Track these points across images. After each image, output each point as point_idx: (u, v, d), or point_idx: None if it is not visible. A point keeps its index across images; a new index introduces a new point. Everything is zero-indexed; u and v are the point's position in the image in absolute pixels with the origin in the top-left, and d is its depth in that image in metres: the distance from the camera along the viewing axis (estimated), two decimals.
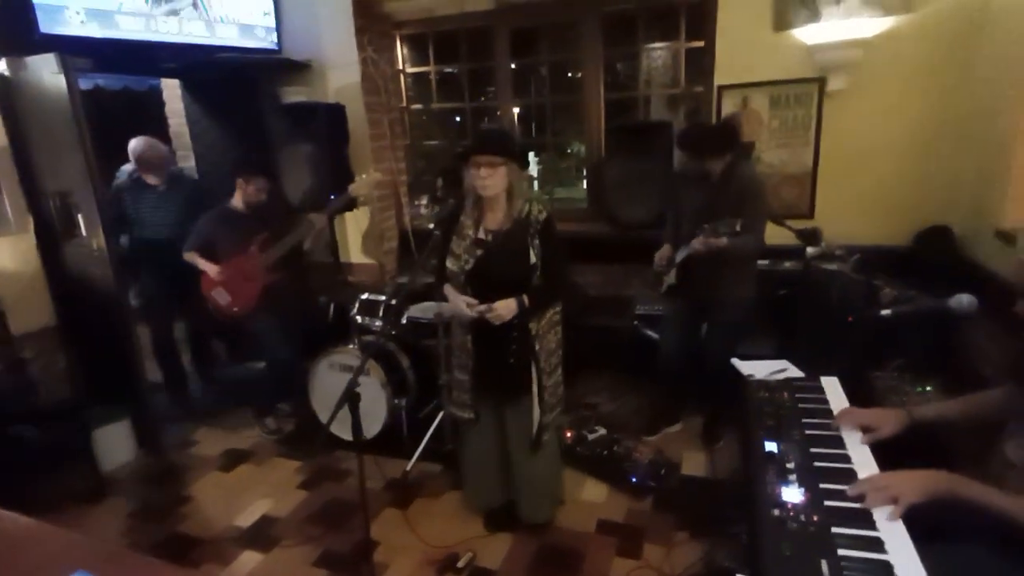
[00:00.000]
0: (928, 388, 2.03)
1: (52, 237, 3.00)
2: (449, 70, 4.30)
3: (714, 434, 2.97)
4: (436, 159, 4.55)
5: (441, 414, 3.01)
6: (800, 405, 1.77)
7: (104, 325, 3.02)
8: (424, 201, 4.48)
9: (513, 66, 4.10)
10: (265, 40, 3.82)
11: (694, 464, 2.85)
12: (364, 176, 3.27)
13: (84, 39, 2.94)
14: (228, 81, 3.90)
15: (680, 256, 2.68)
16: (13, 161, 2.85)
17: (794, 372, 1.99)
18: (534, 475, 2.25)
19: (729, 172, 2.58)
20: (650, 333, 3.32)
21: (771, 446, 1.56)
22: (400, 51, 4.33)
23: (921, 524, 1.22)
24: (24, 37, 2.77)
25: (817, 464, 1.48)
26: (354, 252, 4.20)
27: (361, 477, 1.92)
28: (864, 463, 1.47)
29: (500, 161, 1.97)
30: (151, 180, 3.48)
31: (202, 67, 3.75)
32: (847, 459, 1.50)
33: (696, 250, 2.50)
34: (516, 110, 4.29)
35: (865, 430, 1.58)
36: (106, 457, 3.02)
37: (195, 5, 3.42)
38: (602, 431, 3.02)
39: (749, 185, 2.55)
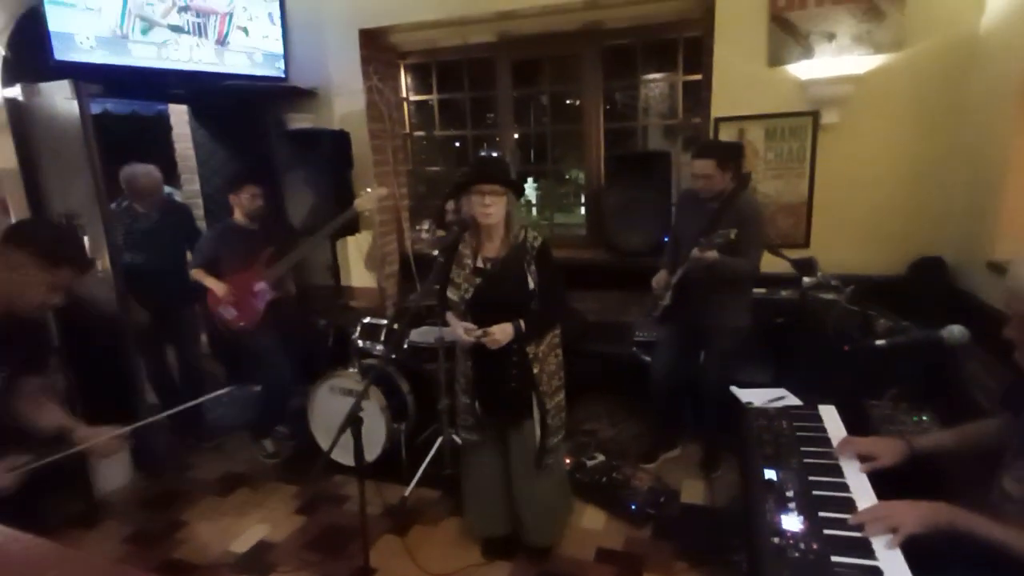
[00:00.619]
0: (924, 417, 2.05)
1: None
2: (451, 98, 4.39)
3: (713, 462, 2.98)
4: (438, 185, 4.62)
5: (440, 439, 3.01)
6: (799, 433, 1.79)
7: (105, 347, 3.03)
8: (426, 226, 4.52)
9: (514, 95, 4.20)
10: (273, 68, 3.91)
11: (693, 492, 2.84)
12: (369, 191, 3.33)
13: (96, 66, 3.01)
14: (235, 107, 3.98)
15: (677, 276, 2.72)
16: (23, 183, 2.89)
17: (792, 400, 2.01)
18: (537, 498, 2.25)
19: (729, 198, 2.64)
20: (648, 359, 3.34)
21: (770, 474, 1.58)
22: (404, 80, 4.43)
23: (918, 553, 1.23)
24: (39, 64, 2.84)
25: (816, 493, 1.49)
26: (355, 276, 4.23)
27: (362, 504, 1.92)
28: (863, 492, 1.49)
29: (500, 191, 2.02)
30: (142, 208, 3.38)
31: (210, 94, 3.84)
32: (846, 488, 1.52)
33: (692, 263, 2.54)
34: (516, 136, 4.38)
35: (864, 459, 1.59)
36: (102, 481, 3.01)
37: (202, 31, 3.51)
38: (601, 458, 3.02)
39: (748, 211, 2.60)
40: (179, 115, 4.37)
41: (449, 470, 2.91)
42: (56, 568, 0.86)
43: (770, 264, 2.77)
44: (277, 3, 3.84)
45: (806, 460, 1.65)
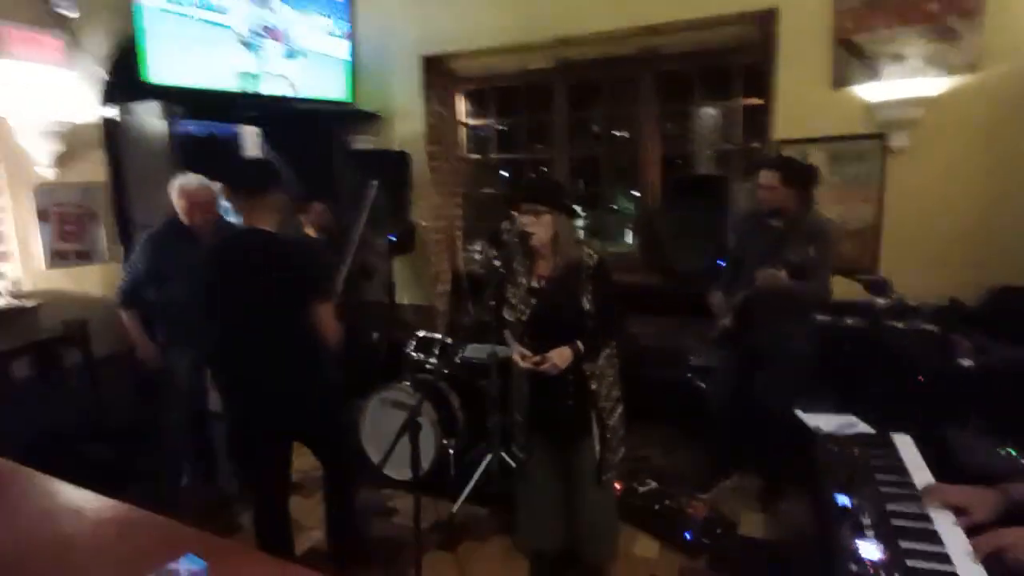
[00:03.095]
0: (1012, 451, 1.91)
1: None
2: (506, 124, 4.49)
3: (773, 494, 2.84)
4: (492, 206, 4.69)
5: (489, 456, 2.99)
6: (872, 462, 1.70)
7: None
8: (478, 247, 4.59)
9: (570, 120, 4.25)
10: (340, 92, 4.11)
11: (752, 525, 2.71)
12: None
13: (184, 89, 3.25)
14: (304, 129, 4.18)
15: (739, 297, 2.65)
16: (111, 196, 3.11)
17: (863, 428, 1.91)
18: (598, 513, 2.20)
19: (796, 218, 2.57)
20: (703, 385, 3.25)
21: (844, 500, 1.50)
22: (462, 104, 4.57)
23: None
24: (133, 86, 3.08)
25: (896, 523, 1.41)
26: (408, 294, 4.32)
27: (416, 517, 1.91)
28: (952, 535, 1.37)
29: (544, 210, 2.02)
30: (194, 228, 2.72)
31: (282, 116, 4.06)
32: (927, 519, 1.42)
33: (761, 284, 2.47)
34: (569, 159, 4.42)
35: (956, 510, 1.45)
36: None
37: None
38: (653, 484, 2.93)
39: (818, 232, 2.53)
40: (250, 137, 4.62)
41: (498, 488, 2.88)
42: (147, 531, 0.90)
43: (835, 290, 2.66)
44: (347, 31, 4.06)
45: (882, 489, 1.56)
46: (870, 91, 3.00)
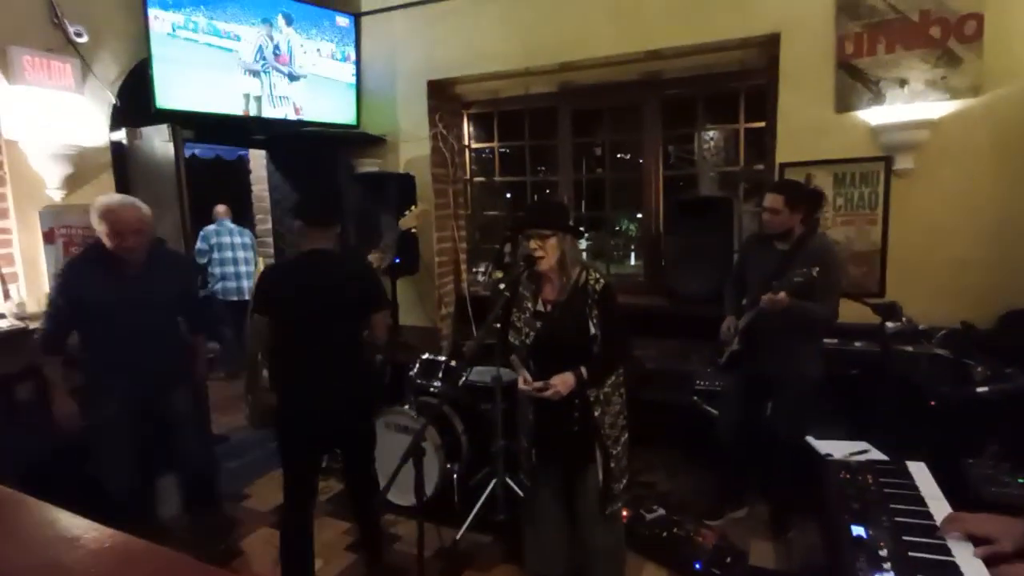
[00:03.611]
0: None
1: None
2: (511, 146, 4.53)
3: (784, 522, 2.78)
4: (496, 228, 4.71)
5: (494, 482, 2.94)
6: (886, 490, 1.66)
7: None
8: (482, 268, 4.60)
9: (574, 143, 4.28)
10: (346, 116, 4.15)
11: (762, 554, 2.65)
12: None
13: (192, 113, 3.29)
14: (309, 152, 4.22)
15: (745, 320, 2.63)
16: None
17: (876, 455, 1.87)
18: (601, 546, 2.15)
19: (801, 241, 2.56)
20: (710, 409, 3.21)
21: (859, 531, 1.46)
22: (467, 128, 4.61)
23: None
24: (142, 110, 3.12)
25: (914, 554, 1.37)
26: (412, 316, 4.30)
27: (420, 545, 1.87)
28: (972, 567, 1.33)
29: (549, 233, 2.01)
30: (125, 254, 2.36)
31: (288, 140, 4.10)
32: (947, 551, 1.38)
33: (764, 307, 2.45)
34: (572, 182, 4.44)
35: (977, 540, 1.38)
36: (162, 506, 3.07)
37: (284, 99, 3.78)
38: (661, 511, 2.88)
39: (823, 254, 2.51)
40: (257, 159, 4.67)
41: (503, 515, 2.83)
42: (149, 563, 0.87)
43: (843, 314, 2.64)
44: (353, 57, 4.11)
45: (898, 519, 1.52)
46: (873, 114, 3.02)
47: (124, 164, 3.16)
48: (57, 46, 2.82)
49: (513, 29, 3.83)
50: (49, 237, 2.82)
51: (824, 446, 1.91)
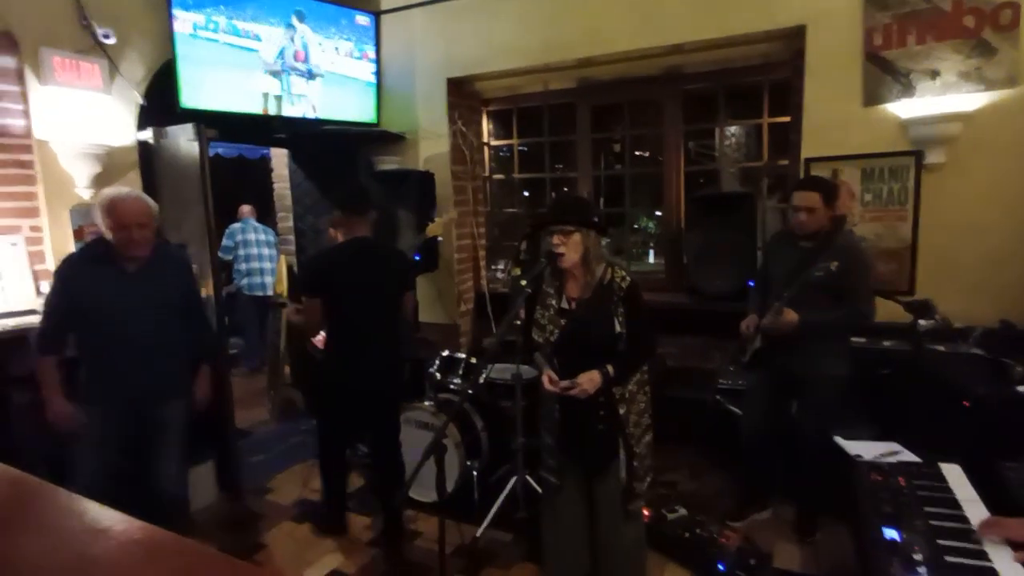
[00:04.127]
0: None
1: None
2: (530, 143, 4.51)
3: (810, 524, 2.73)
4: (515, 225, 4.70)
5: (514, 480, 2.94)
6: (920, 493, 1.62)
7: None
8: (501, 265, 4.59)
9: (593, 138, 4.25)
10: (366, 114, 4.17)
11: (787, 557, 2.60)
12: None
13: (216, 112, 3.33)
14: (330, 150, 4.25)
15: (768, 318, 2.58)
16: None
17: (908, 456, 1.83)
18: (621, 545, 2.13)
19: (827, 237, 2.50)
20: (733, 408, 3.16)
21: (891, 533, 1.42)
22: (486, 125, 4.60)
23: None
24: (168, 110, 3.17)
25: (950, 559, 1.33)
26: (432, 312, 4.31)
27: (441, 542, 1.86)
28: (1010, 572, 1.29)
29: (572, 230, 1.99)
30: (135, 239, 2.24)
31: (309, 138, 4.13)
32: (985, 556, 1.34)
33: (767, 325, 2.40)
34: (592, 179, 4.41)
35: (1016, 546, 1.35)
36: (191, 498, 3.12)
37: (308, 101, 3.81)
38: (683, 511, 2.84)
39: (851, 251, 2.44)
40: (279, 158, 4.72)
41: (523, 513, 2.82)
42: (177, 556, 0.88)
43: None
44: (372, 55, 4.13)
45: (932, 522, 1.48)
46: (903, 107, 2.94)
47: (150, 163, 3.20)
48: (86, 47, 2.88)
49: (532, 25, 3.81)
50: (79, 235, 2.87)
51: (853, 447, 1.87)
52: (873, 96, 3.02)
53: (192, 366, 2.53)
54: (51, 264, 2.83)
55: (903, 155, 2.99)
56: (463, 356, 3.27)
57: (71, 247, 2.85)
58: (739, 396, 3.11)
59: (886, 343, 2.83)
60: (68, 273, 2.25)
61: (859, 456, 1.80)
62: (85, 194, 2.90)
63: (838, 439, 1.90)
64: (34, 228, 2.81)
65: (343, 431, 2.89)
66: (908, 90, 2.92)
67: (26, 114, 2.73)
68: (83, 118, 2.83)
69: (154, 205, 2.29)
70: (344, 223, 2.65)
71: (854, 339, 2.69)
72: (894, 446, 1.86)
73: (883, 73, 2.97)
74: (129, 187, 2.37)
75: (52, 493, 1.34)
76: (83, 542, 1.16)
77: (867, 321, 2.47)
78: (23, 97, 2.71)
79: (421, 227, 3.73)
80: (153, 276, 2.33)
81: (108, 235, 2.19)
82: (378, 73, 4.19)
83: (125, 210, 2.18)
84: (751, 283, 3.03)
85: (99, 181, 2.94)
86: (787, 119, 3.56)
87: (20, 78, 2.69)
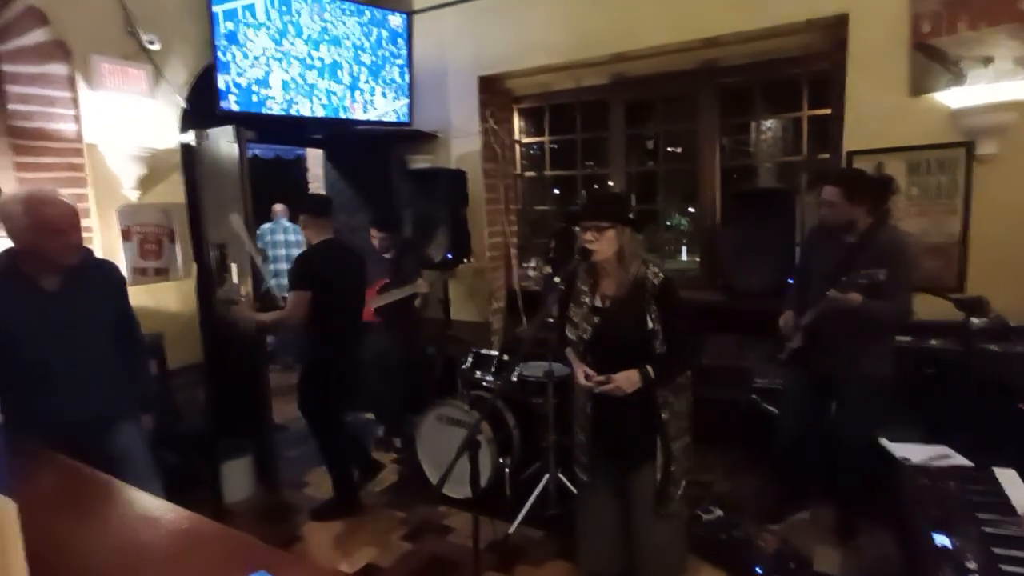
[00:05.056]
0: None
1: (209, 283, 3.38)
2: (562, 140, 4.48)
3: (851, 527, 2.64)
4: (546, 223, 4.68)
5: (546, 478, 2.93)
6: (972, 498, 1.55)
7: (242, 366, 3.30)
8: (532, 263, 4.59)
9: (627, 134, 4.20)
10: (399, 114, 4.22)
11: (827, 560, 2.53)
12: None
13: (254, 114, 3.41)
14: (364, 149, 4.31)
15: (808, 317, 2.51)
16: (188, 216, 3.28)
17: (958, 460, 1.75)
18: (654, 545, 2.10)
19: (869, 233, 2.42)
20: (769, 408, 3.09)
21: (942, 540, 1.36)
22: (517, 122, 4.59)
23: None
24: (208, 113, 3.26)
25: (1005, 568, 1.27)
26: (463, 310, 4.33)
27: (475, 538, 1.87)
28: None
29: (606, 226, 1.96)
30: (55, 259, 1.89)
31: (344, 138, 4.20)
32: None
33: (828, 305, 2.33)
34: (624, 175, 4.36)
35: None
36: (229, 490, 3.22)
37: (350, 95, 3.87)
38: (719, 512, 2.80)
39: (894, 248, 2.36)
40: (314, 158, 4.81)
41: (554, 510, 2.82)
42: (220, 544, 0.91)
43: (918, 309, 2.48)
44: (405, 55, 4.17)
45: (986, 529, 1.41)
46: (953, 97, 2.81)
47: (192, 164, 3.30)
48: (132, 53, 2.98)
49: (564, 21, 3.78)
50: (126, 235, 2.98)
51: (900, 449, 1.80)
52: (920, 86, 2.91)
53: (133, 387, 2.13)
54: None
55: (953, 147, 2.86)
56: (495, 353, 3.27)
57: (120, 247, 2.96)
58: (775, 395, 3.04)
59: (933, 342, 2.72)
60: None
61: (906, 459, 1.74)
62: (132, 195, 3.01)
63: (883, 441, 1.83)
64: (84, 228, 2.92)
65: (340, 409, 3.21)
66: (958, 79, 2.80)
67: (77, 119, 2.83)
68: (129, 121, 2.93)
69: (76, 207, 1.91)
70: (312, 225, 3.01)
71: (899, 337, 2.60)
72: (944, 449, 1.79)
73: (931, 61, 2.85)
74: (52, 188, 1.95)
75: (106, 483, 1.40)
76: (133, 529, 1.21)
77: (906, 318, 2.39)
78: (74, 103, 2.82)
79: (454, 224, 3.77)
80: (77, 294, 1.93)
81: (20, 242, 1.81)
82: (410, 73, 4.22)
83: (56, 211, 1.81)
84: (790, 280, 2.95)
85: (144, 182, 3.04)
86: (827, 112, 3.45)
87: (72, 84, 2.80)
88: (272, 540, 2.82)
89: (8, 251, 1.88)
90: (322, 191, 4.77)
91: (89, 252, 2.11)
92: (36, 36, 2.70)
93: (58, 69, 2.78)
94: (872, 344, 2.45)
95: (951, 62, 2.81)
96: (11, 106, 2.69)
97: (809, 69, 3.53)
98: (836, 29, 3.14)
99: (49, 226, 1.78)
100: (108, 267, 2.17)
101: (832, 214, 2.47)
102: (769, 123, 4.04)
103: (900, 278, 2.31)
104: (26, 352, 1.85)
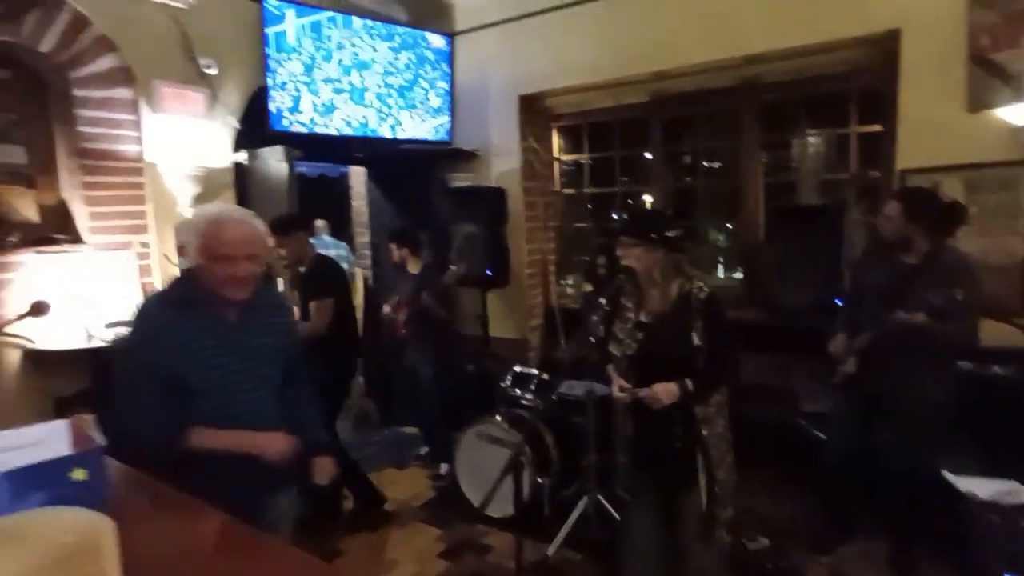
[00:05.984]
0: None
1: None
2: (601, 157, 4.48)
3: (907, 560, 2.51)
4: (584, 239, 4.67)
5: (585, 499, 2.89)
6: None
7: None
8: (571, 280, 4.58)
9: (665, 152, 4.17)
10: (440, 133, 4.30)
11: None
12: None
13: (301, 134, 3.53)
14: (406, 168, 4.40)
15: (865, 339, 2.42)
16: None
17: None
18: (699, 568, 2.04)
19: (934, 252, 2.33)
20: (819, 434, 2.98)
21: None
22: (556, 140, 4.62)
23: None
24: (258, 134, 3.39)
25: None
26: (501, 327, 4.34)
27: (518, 558, 1.86)
28: None
29: (634, 243, 1.98)
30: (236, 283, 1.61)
31: (386, 157, 4.29)
32: None
33: (893, 325, 2.24)
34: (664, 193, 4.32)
35: None
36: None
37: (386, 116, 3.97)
38: (765, 541, 2.70)
39: (959, 270, 2.27)
40: (357, 176, 4.93)
41: (596, 535, 2.77)
42: (275, 559, 0.92)
43: (983, 335, 2.36)
44: (448, 75, 4.25)
45: None
46: (1015, 113, 2.70)
47: (243, 183, 3.43)
48: (190, 78, 3.12)
49: (604, 40, 3.80)
50: (181, 251, 3.10)
51: (965, 483, 1.71)
52: (979, 101, 2.80)
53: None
54: (157, 278, 3.06)
55: (1016, 164, 2.75)
56: (535, 372, 3.26)
57: (175, 262, 3.08)
58: (825, 420, 2.93)
59: (996, 368, 2.59)
60: (150, 327, 1.54)
61: (973, 494, 1.65)
62: (187, 212, 3.14)
63: (946, 473, 1.74)
64: (143, 244, 3.06)
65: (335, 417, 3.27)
66: (1021, 94, 2.69)
67: (139, 140, 2.99)
68: (187, 142, 3.07)
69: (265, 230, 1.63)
70: (286, 242, 2.94)
71: (960, 363, 2.48)
72: (1013, 485, 1.70)
73: (991, 76, 2.75)
74: (234, 205, 2.13)
75: (166, 493, 1.44)
76: (186, 535, 1.24)
77: (971, 344, 2.29)
78: (137, 125, 2.98)
79: (494, 242, 3.80)
80: (254, 328, 1.62)
81: (198, 267, 1.53)
82: (452, 92, 4.30)
83: (231, 234, 1.51)
84: (838, 300, 2.86)
85: (199, 200, 3.17)
86: (876, 128, 3.36)
87: (135, 108, 2.96)
88: (316, 554, 2.86)
89: (182, 277, 1.66)
90: (364, 208, 4.88)
91: (268, 279, 1.96)
92: (105, 63, 2.87)
93: (123, 93, 2.93)
94: (930, 370, 2.35)
95: (1012, 77, 2.70)
96: (80, 128, 2.86)
97: (855, 84, 3.45)
98: (886, 44, 3.07)
99: (218, 251, 1.49)
100: (279, 298, 2.02)
101: (886, 226, 2.44)
102: (812, 139, 3.95)
103: (968, 300, 2.22)
104: (218, 395, 1.53)
